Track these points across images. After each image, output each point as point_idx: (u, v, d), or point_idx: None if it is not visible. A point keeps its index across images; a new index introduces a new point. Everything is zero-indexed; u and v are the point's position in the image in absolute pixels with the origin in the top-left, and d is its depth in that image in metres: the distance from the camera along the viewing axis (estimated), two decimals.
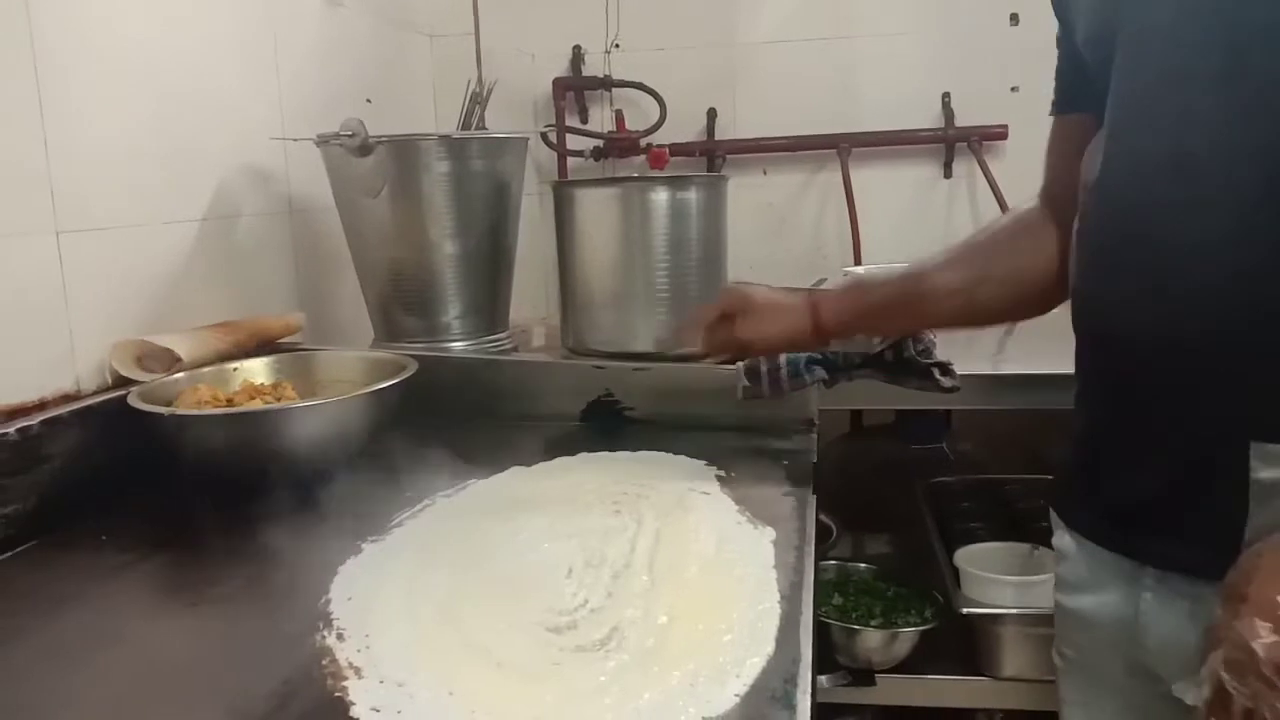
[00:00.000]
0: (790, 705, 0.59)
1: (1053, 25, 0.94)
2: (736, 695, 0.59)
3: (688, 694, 0.60)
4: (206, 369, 1.09)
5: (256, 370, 1.13)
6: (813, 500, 0.93)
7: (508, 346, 1.45)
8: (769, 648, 0.65)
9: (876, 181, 2.08)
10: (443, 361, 1.27)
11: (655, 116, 2.11)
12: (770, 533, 0.84)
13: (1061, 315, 0.93)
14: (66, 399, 1.01)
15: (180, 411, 0.97)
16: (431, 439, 1.14)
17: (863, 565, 1.52)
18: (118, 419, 0.96)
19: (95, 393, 1.04)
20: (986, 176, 2.02)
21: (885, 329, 1.12)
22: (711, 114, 2.14)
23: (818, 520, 0.91)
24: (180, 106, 1.22)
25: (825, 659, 1.36)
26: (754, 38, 2.11)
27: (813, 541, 0.84)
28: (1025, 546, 1.39)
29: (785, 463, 1.04)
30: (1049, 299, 0.99)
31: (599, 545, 0.82)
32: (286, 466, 0.94)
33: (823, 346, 1.10)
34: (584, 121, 2.19)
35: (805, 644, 0.65)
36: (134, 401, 0.96)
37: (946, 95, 2.07)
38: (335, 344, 1.37)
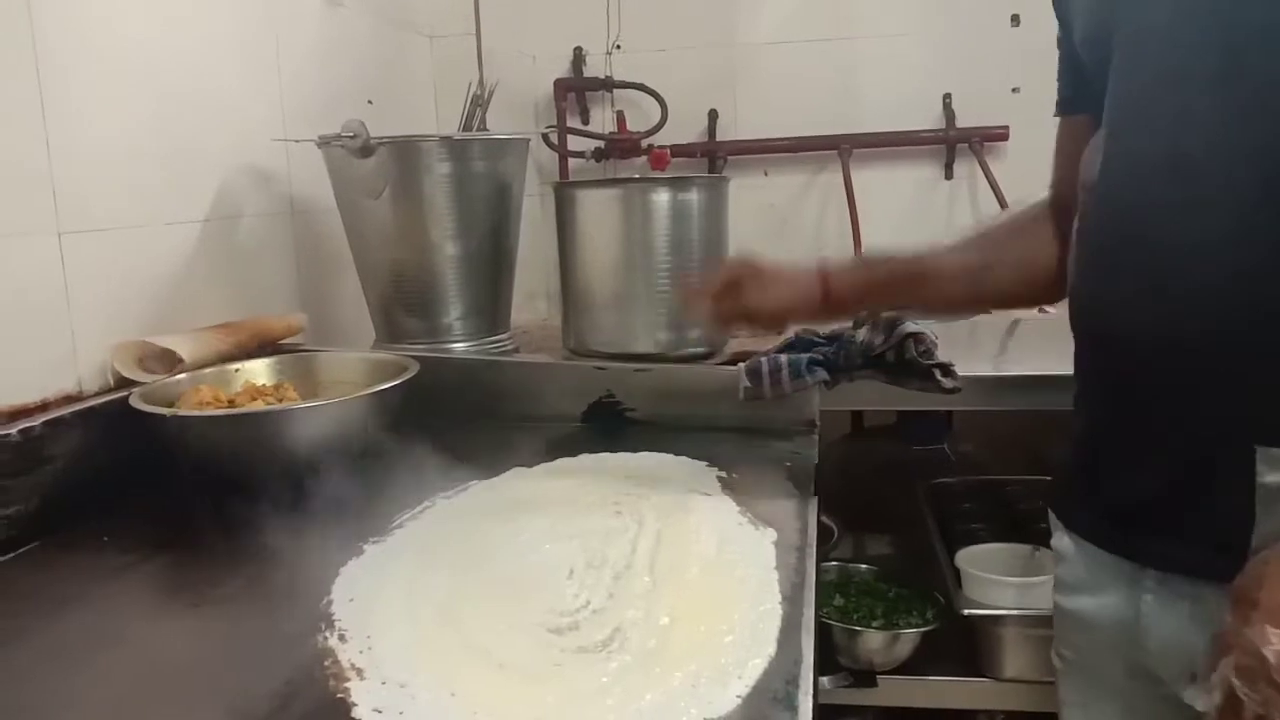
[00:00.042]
0: (792, 706, 0.59)
1: (1054, 26, 0.94)
2: (738, 696, 0.59)
3: (689, 695, 0.60)
4: (208, 370, 1.10)
5: (258, 371, 1.14)
6: (814, 501, 0.93)
7: (509, 347, 1.45)
8: (770, 649, 0.65)
9: (877, 182, 2.08)
10: (444, 362, 1.27)
11: (656, 117, 2.11)
12: (772, 534, 0.84)
13: (1063, 317, 0.93)
14: (68, 400, 1.01)
15: (182, 412, 0.97)
16: (433, 440, 1.14)
17: (864, 566, 1.52)
18: (119, 420, 0.97)
19: (97, 394, 1.04)
20: (988, 178, 2.02)
21: (893, 303, 1.11)
22: (713, 115, 2.14)
23: (819, 521, 0.91)
24: (182, 107, 1.22)
25: (826, 660, 1.36)
26: (755, 38, 2.11)
27: (814, 543, 0.84)
28: (1027, 548, 1.39)
29: (787, 464, 1.04)
30: (1056, 288, 0.99)
31: (600, 546, 0.82)
32: (288, 467, 0.94)
33: (829, 319, 1.08)
34: (585, 122, 2.19)
35: (807, 645, 0.65)
36: (136, 402, 0.96)
37: (948, 96, 2.07)
38: (337, 345, 1.37)
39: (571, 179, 2.11)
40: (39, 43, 0.99)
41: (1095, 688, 0.94)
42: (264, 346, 1.22)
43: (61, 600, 0.79)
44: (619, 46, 2.11)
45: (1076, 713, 0.97)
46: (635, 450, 1.10)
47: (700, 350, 1.31)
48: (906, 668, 1.37)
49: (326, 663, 0.65)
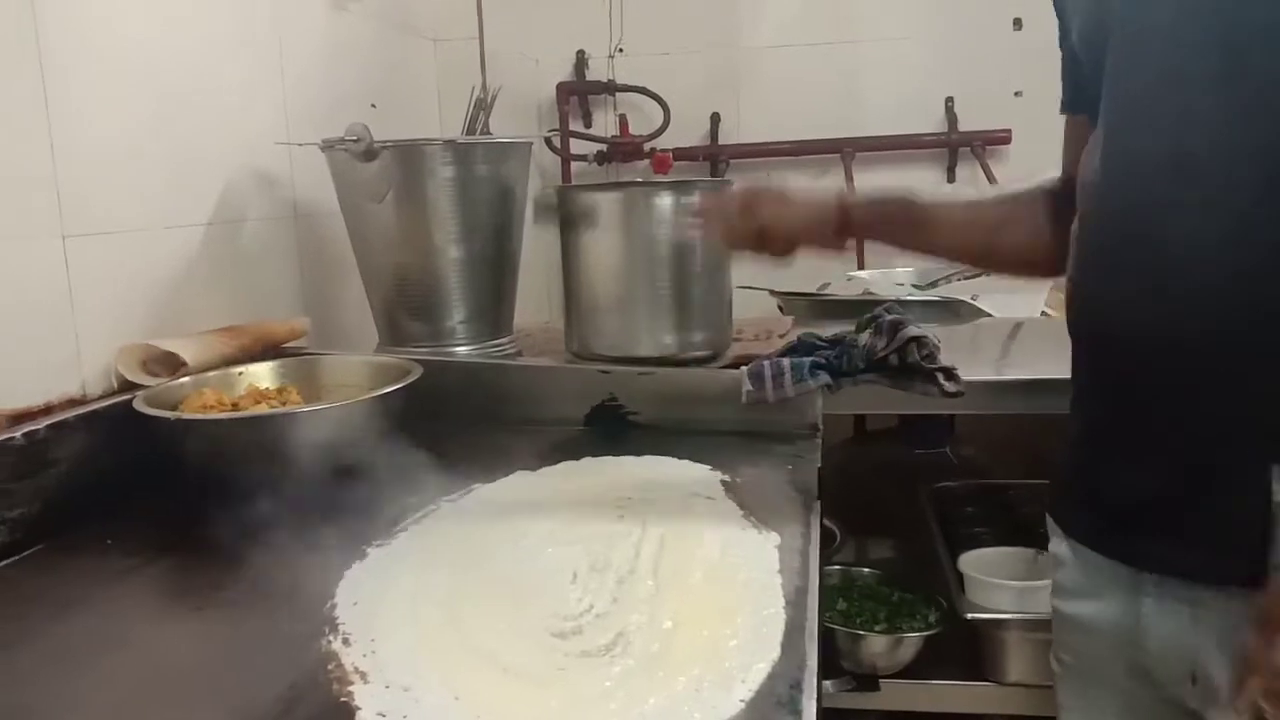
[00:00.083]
0: (796, 711, 0.58)
1: (1056, 29, 0.95)
2: (742, 701, 0.59)
3: (693, 699, 0.60)
4: (212, 373, 1.10)
5: (262, 374, 1.14)
6: (817, 505, 0.93)
7: (512, 351, 1.45)
8: (774, 653, 0.65)
9: (880, 186, 2.08)
10: (447, 366, 1.27)
11: (659, 121, 2.12)
12: (775, 538, 0.84)
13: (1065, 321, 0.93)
14: (72, 403, 1.01)
15: (186, 415, 0.98)
16: (436, 443, 1.14)
17: (867, 570, 1.52)
18: (123, 423, 0.97)
19: (101, 397, 1.05)
20: (990, 181, 2.02)
21: (899, 242, 1.11)
22: (715, 118, 2.15)
23: (822, 525, 0.91)
24: (186, 111, 1.22)
25: (829, 664, 1.36)
26: (757, 42, 2.12)
27: (817, 546, 0.84)
28: (1029, 551, 1.39)
29: (789, 467, 1.04)
30: (1054, 265, 1.01)
31: (604, 550, 0.82)
32: (291, 471, 0.94)
33: (838, 245, 1.08)
34: (587, 126, 2.19)
35: (811, 649, 0.65)
36: (140, 406, 0.97)
37: (950, 100, 2.07)
38: (340, 348, 1.37)
39: (574, 182, 2.11)
40: (43, 46, 0.99)
41: (1094, 691, 0.94)
42: (267, 350, 1.22)
43: (65, 603, 0.79)
44: (621, 50, 2.11)
45: (1075, 716, 0.97)
46: (638, 454, 1.10)
47: (703, 354, 1.31)
48: (909, 672, 1.37)
49: (330, 666, 0.65)
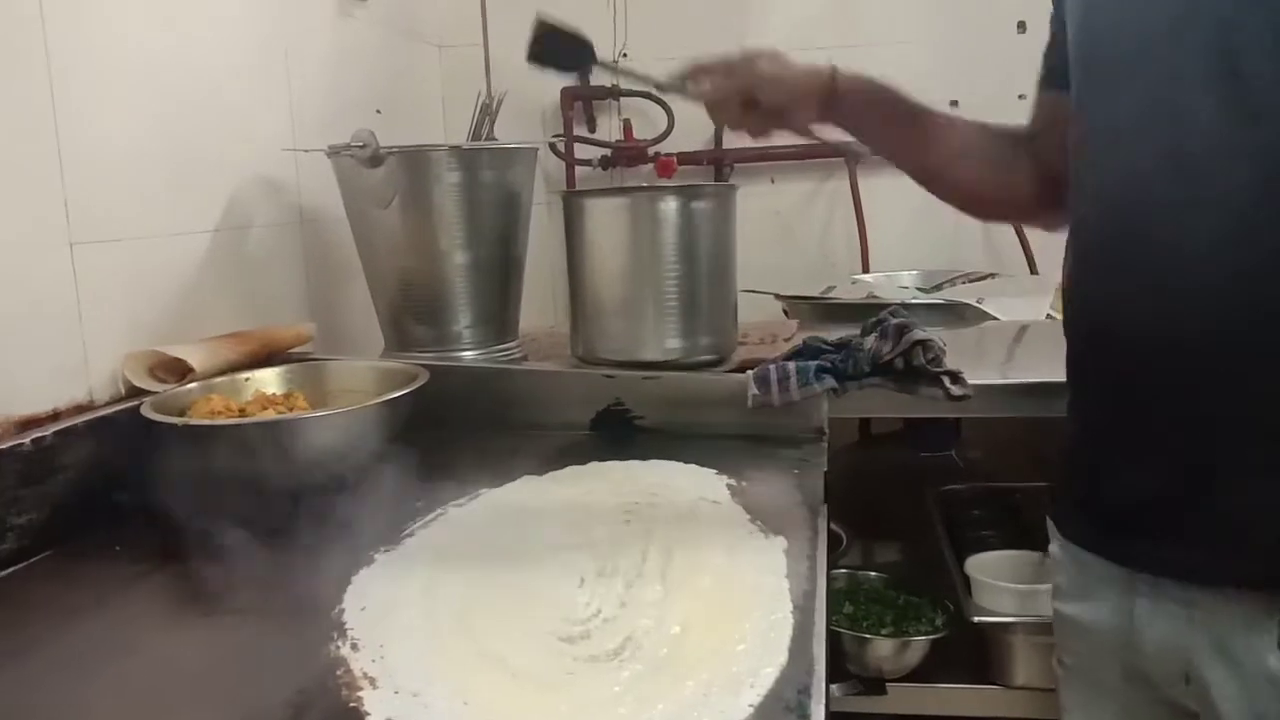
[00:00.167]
0: (804, 715, 0.58)
1: None
2: (750, 705, 0.59)
3: (702, 704, 0.60)
4: (219, 379, 1.10)
5: (268, 380, 1.14)
6: (824, 509, 0.93)
7: (517, 355, 1.45)
8: (782, 657, 0.65)
9: (884, 189, 2.08)
10: (453, 371, 1.27)
11: (663, 125, 2.12)
12: (781, 542, 0.84)
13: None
14: (80, 409, 1.02)
15: (193, 422, 0.98)
16: (442, 448, 1.15)
17: (873, 573, 1.52)
18: (131, 429, 0.97)
19: (108, 403, 1.05)
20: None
21: (880, 132, 1.12)
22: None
23: (828, 529, 0.91)
24: (192, 118, 1.23)
25: (836, 668, 1.36)
26: (761, 47, 2.12)
27: (825, 550, 0.84)
28: (1036, 555, 1.38)
29: (796, 471, 1.04)
30: (1016, 209, 1.12)
31: (611, 555, 0.82)
32: (299, 476, 0.94)
33: (824, 118, 1.07)
34: (592, 131, 2.20)
35: (819, 653, 0.65)
36: (147, 412, 0.97)
37: (954, 103, 2.06)
38: (346, 354, 1.37)
39: (578, 187, 2.12)
40: (51, 55, 1.00)
41: (1094, 693, 0.94)
42: (274, 356, 1.22)
43: (74, 609, 0.80)
44: (625, 55, 2.11)
45: (1077, 718, 0.97)
46: (644, 458, 1.09)
47: (708, 358, 1.31)
48: (916, 675, 1.37)
49: (339, 672, 0.65)
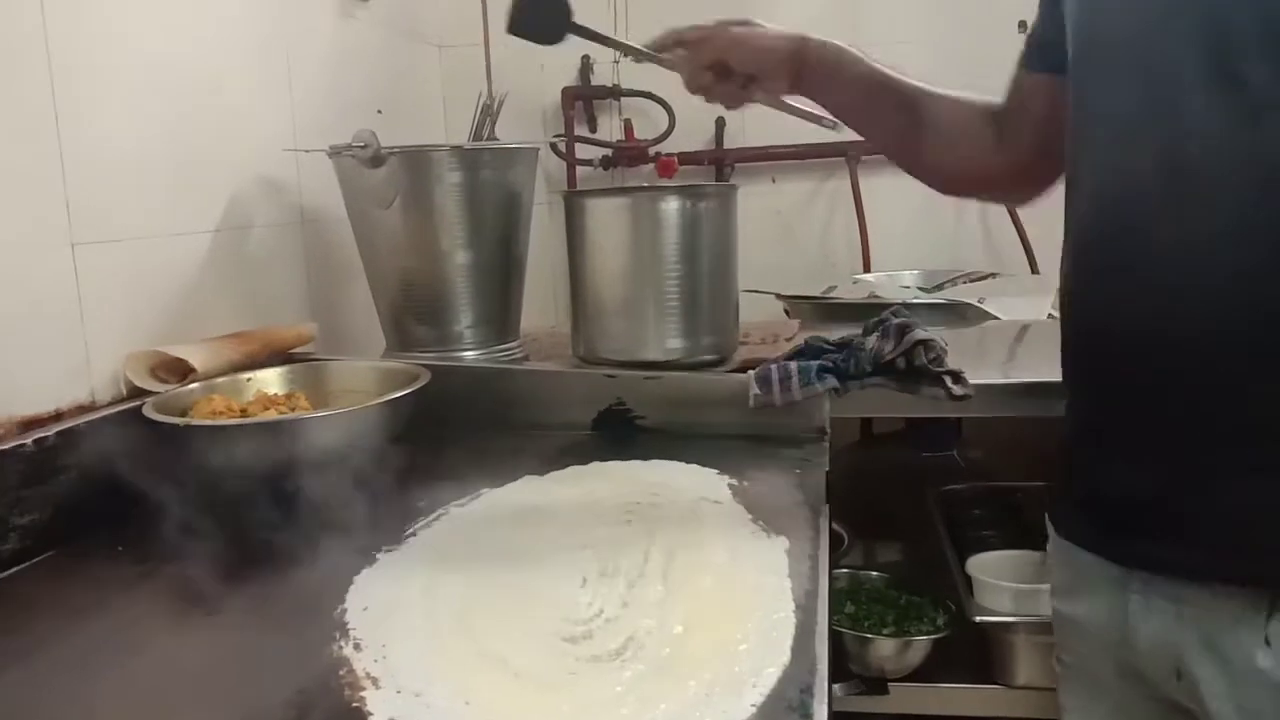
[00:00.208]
0: (807, 714, 0.58)
1: None
2: (753, 705, 0.59)
3: (704, 704, 0.60)
4: (221, 379, 1.10)
5: (270, 380, 1.14)
6: (826, 509, 0.93)
7: (519, 355, 1.45)
8: (785, 657, 0.65)
9: (885, 189, 2.08)
10: (454, 371, 1.27)
11: (664, 125, 2.12)
12: (783, 542, 0.84)
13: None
14: (82, 410, 1.02)
15: (195, 422, 0.98)
16: (444, 448, 1.15)
17: (875, 573, 1.52)
18: (133, 429, 0.97)
19: (110, 404, 1.05)
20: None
21: (852, 103, 1.12)
22: (720, 123, 2.15)
23: (830, 528, 0.91)
24: (193, 119, 1.23)
25: (838, 667, 1.36)
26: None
27: (826, 550, 0.84)
28: (1037, 554, 1.38)
29: (797, 471, 1.04)
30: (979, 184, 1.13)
31: (613, 555, 0.82)
32: (301, 476, 0.94)
33: (795, 81, 1.09)
34: (593, 131, 2.20)
35: (821, 653, 0.65)
36: (149, 412, 0.97)
37: None
38: (347, 354, 1.38)
39: (579, 187, 2.12)
40: (52, 55, 1.00)
41: (1092, 692, 0.94)
42: (275, 356, 1.23)
43: (77, 610, 0.80)
44: (618, 60, 2.11)
45: (1076, 717, 0.97)
46: (646, 458, 1.10)
47: (710, 358, 1.32)
48: (918, 675, 1.36)
49: (341, 672, 0.65)
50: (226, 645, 0.74)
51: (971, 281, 1.92)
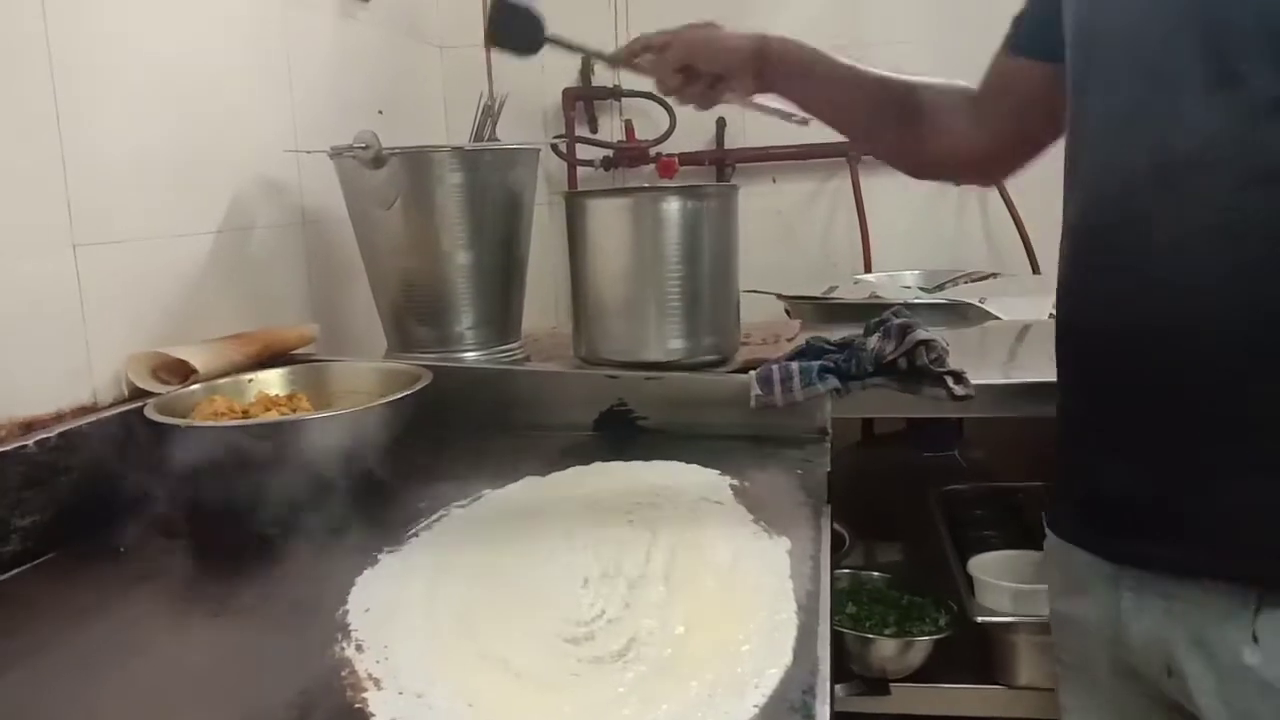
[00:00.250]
0: (809, 715, 0.59)
1: None
2: (755, 706, 0.59)
3: (706, 705, 0.60)
4: (222, 380, 1.10)
5: (272, 381, 1.14)
6: (827, 510, 0.93)
7: (520, 356, 1.45)
8: (787, 658, 0.65)
9: (886, 190, 2.08)
10: (456, 372, 1.27)
11: (665, 126, 2.12)
12: (785, 542, 0.84)
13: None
14: (83, 411, 1.02)
15: (197, 423, 0.98)
16: (445, 449, 1.15)
17: (876, 574, 1.52)
18: (134, 431, 0.97)
19: (112, 405, 1.05)
20: (997, 184, 2.02)
21: (814, 95, 1.14)
22: (720, 123, 2.15)
23: (831, 529, 0.91)
24: (195, 120, 1.23)
25: (840, 668, 1.36)
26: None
27: (828, 551, 0.84)
28: (1038, 554, 1.37)
29: (799, 472, 1.04)
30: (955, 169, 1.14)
31: (614, 556, 0.82)
32: (302, 477, 0.94)
33: (759, 79, 1.11)
34: (594, 131, 2.20)
35: (823, 654, 0.65)
36: (150, 413, 0.97)
37: None
38: (349, 354, 1.38)
39: (580, 188, 2.12)
40: (54, 57, 1.00)
41: (1090, 690, 0.94)
42: (277, 357, 1.23)
43: (79, 611, 0.80)
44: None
45: (1075, 717, 0.98)
46: (647, 459, 1.10)
47: (711, 358, 1.31)
48: (919, 675, 1.36)
49: (344, 673, 0.65)
50: (228, 646, 0.75)
51: (973, 282, 1.92)
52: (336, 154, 1.35)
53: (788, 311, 1.83)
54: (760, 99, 1.15)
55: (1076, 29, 0.89)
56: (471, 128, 1.62)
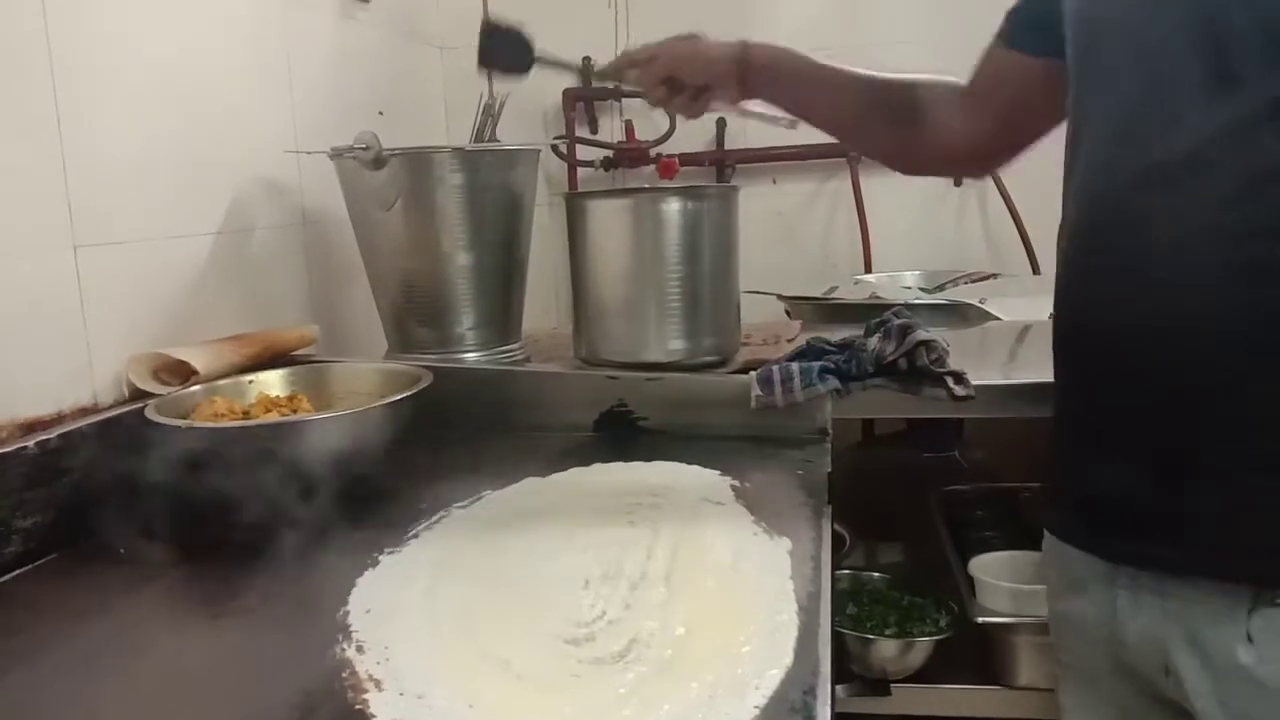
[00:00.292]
0: (810, 716, 0.59)
1: None
2: (756, 707, 0.59)
3: (707, 706, 0.60)
4: (223, 381, 1.10)
5: (272, 382, 1.14)
6: (828, 510, 0.93)
7: (520, 357, 1.45)
8: (788, 659, 0.65)
9: (886, 190, 2.08)
10: (456, 372, 1.27)
11: (665, 127, 2.12)
12: (786, 543, 0.84)
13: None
14: (84, 412, 1.02)
15: (197, 424, 0.98)
16: (446, 450, 1.15)
17: (876, 574, 1.52)
18: (135, 432, 0.97)
19: (112, 406, 1.05)
20: (997, 185, 2.02)
21: (799, 98, 1.16)
22: (721, 123, 2.15)
23: (832, 529, 0.91)
24: (195, 121, 1.23)
25: (840, 669, 1.35)
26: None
27: (829, 551, 0.84)
28: (1039, 555, 1.38)
29: (799, 472, 1.04)
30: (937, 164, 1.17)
31: (615, 557, 0.82)
32: (303, 478, 0.94)
33: (744, 87, 1.13)
34: (594, 132, 2.20)
35: (824, 655, 0.65)
36: (151, 414, 0.97)
37: None
38: (349, 355, 1.38)
39: (580, 188, 2.12)
40: (54, 57, 1.00)
41: (1089, 690, 0.95)
42: (277, 358, 1.23)
43: (80, 612, 0.80)
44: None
45: (1074, 717, 0.98)
46: (648, 459, 1.10)
47: (712, 359, 1.31)
48: (920, 676, 1.36)
49: (344, 674, 0.65)
50: (229, 647, 0.75)
51: (973, 282, 1.91)
52: (337, 155, 1.35)
53: (788, 312, 1.83)
54: (747, 105, 1.16)
55: (1076, 28, 0.89)
56: (472, 128, 1.63)
